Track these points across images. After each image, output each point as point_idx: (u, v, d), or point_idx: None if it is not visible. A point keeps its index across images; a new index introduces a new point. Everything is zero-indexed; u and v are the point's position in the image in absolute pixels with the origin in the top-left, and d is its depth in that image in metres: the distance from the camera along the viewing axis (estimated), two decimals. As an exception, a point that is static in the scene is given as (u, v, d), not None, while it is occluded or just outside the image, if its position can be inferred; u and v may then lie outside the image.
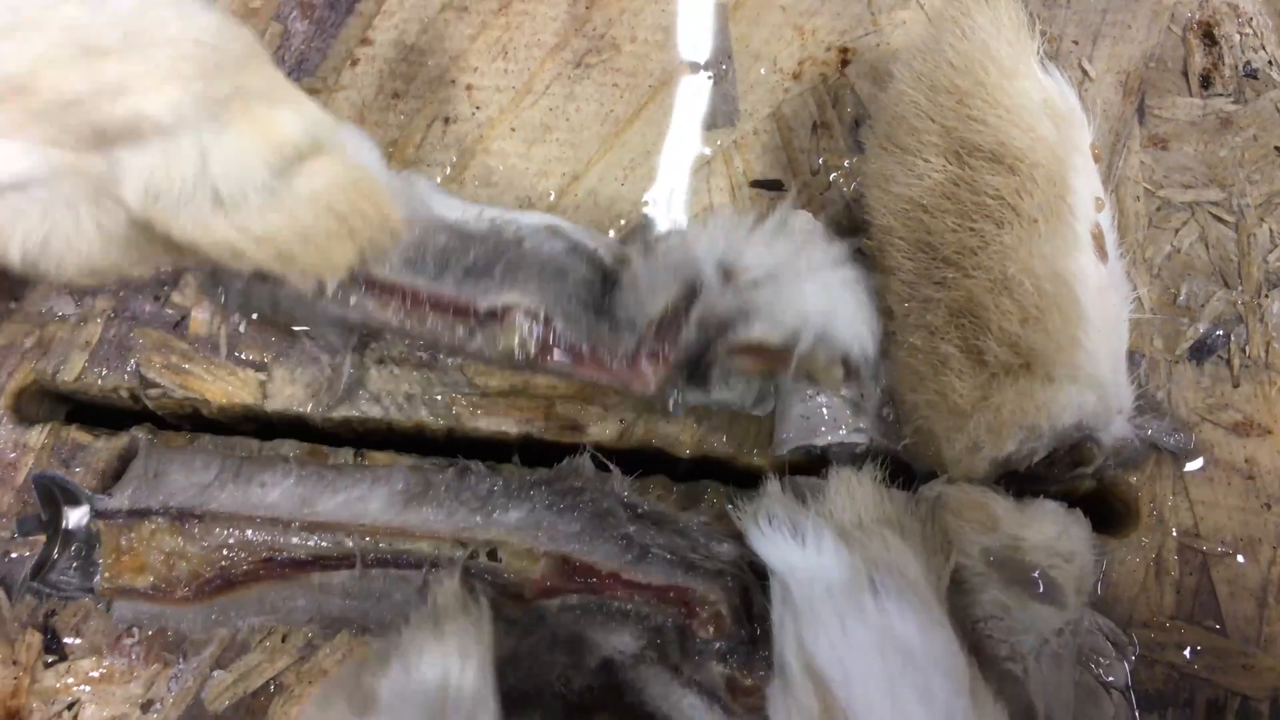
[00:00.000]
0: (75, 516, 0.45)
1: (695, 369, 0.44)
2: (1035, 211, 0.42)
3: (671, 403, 0.45)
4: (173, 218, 0.41)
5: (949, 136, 0.44)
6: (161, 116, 0.39)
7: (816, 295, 0.43)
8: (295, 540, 0.44)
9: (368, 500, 0.45)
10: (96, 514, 0.44)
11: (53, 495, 0.45)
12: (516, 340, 0.44)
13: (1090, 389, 0.42)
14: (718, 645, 0.44)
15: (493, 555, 0.44)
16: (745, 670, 0.43)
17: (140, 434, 0.49)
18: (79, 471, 0.48)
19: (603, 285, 0.45)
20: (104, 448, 0.49)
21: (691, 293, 0.43)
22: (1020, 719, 0.40)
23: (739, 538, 0.45)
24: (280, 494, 0.45)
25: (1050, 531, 0.42)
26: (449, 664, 0.38)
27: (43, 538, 0.46)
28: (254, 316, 0.49)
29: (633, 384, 0.44)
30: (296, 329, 0.49)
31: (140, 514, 0.44)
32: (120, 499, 0.45)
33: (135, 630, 0.47)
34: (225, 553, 0.44)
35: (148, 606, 0.45)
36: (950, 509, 0.42)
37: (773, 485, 0.43)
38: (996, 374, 0.42)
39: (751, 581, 0.44)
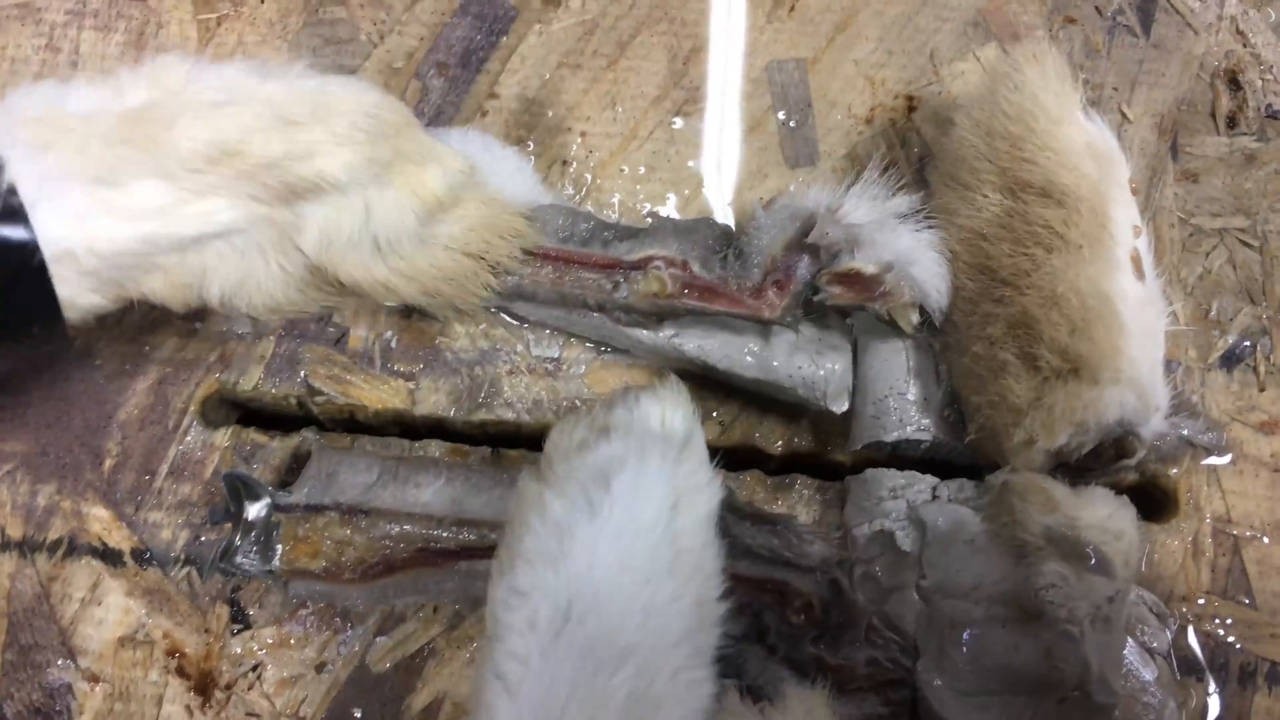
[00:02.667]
0: (256, 508, 0.53)
1: (808, 302, 0.53)
2: (1080, 239, 0.50)
3: (789, 322, 0.53)
4: (340, 261, 0.51)
5: (1004, 175, 0.52)
6: (339, 176, 0.49)
7: (906, 242, 0.51)
8: (446, 534, 0.52)
9: (509, 500, 0.53)
10: (278, 508, 0.52)
11: (238, 490, 0.53)
12: (658, 284, 0.52)
13: (1130, 389, 0.49)
14: (809, 631, 0.51)
15: None
16: (831, 651, 0.51)
17: (310, 435, 0.57)
18: (258, 467, 0.57)
19: (726, 239, 0.54)
20: (279, 447, 0.57)
21: (806, 229, 0.52)
22: (1079, 671, 0.47)
23: (827, 539, 0.53)
24: (432, 494, 0.53)
25: (1102, 513, 0.49)
26: (664, 407, 0.46)
27: (228, 526, 0.54)
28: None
29: (761, 310, 0.52)
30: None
31: (316, 509, 0.52)
32: (299, 495, 0.53)
33: (309, 604, 0.55)
34: (387, 543, 0.52)
35: (320, 586, 0.52)
36: (1016, 493, 0.49)
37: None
38: (1048, 378, 0.49)
39: (839, 576, 0.51)
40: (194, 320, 0.59)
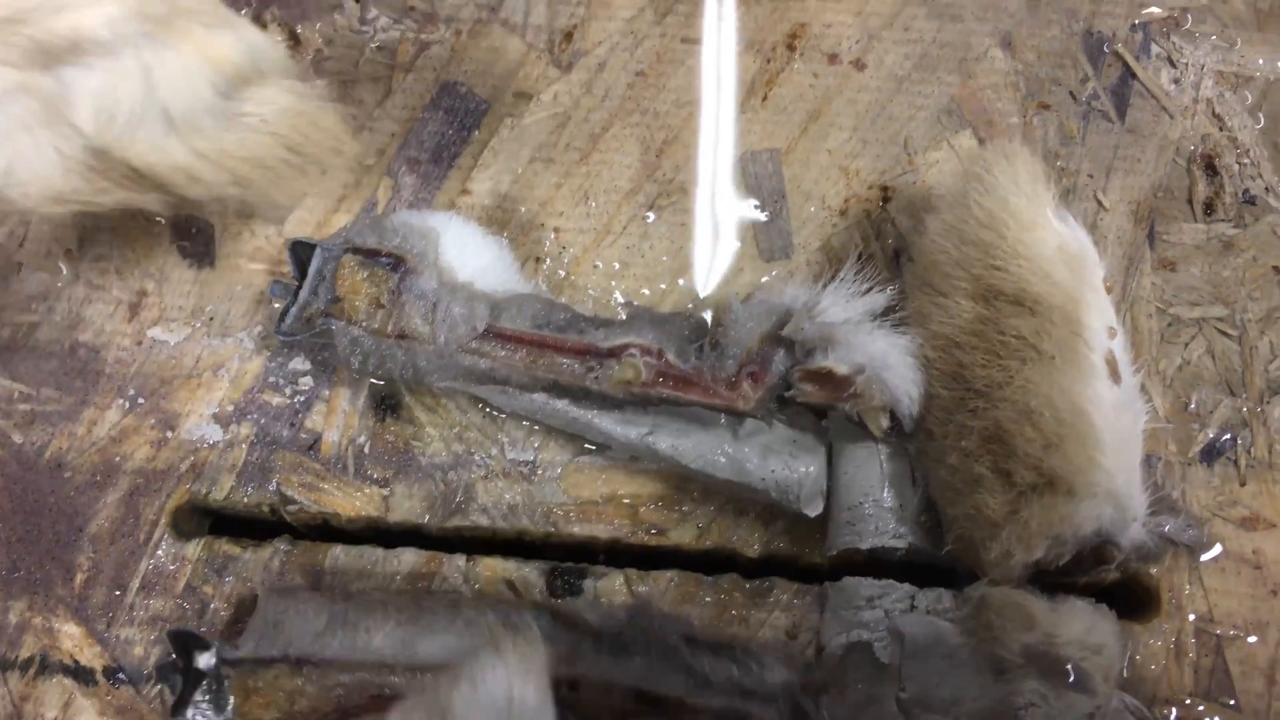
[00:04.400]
0: (205, 658, 0.52)
1: (783, 402, 0.52)
2: (1053, 349, 0.49)
3: (762, 415, 0.52)
4: (128, 142, 0.43)
5: (976, 282, 0.51)
6: (99, 32, 0.42)
7: (880, 345, 0.51)
8: (398, 680, 0.51)
9: (463, 642, 0.53)
10: (225, 662, 0.51)
11: (185, 643, 0.52)
12: (632, 372, 0.52)
13: (1107, 502, 0.48)
14: None
15: (573, 687, 0.51)
16: None
17: (281, 545, 0.57)
18: (229, 581, 0.56)
19: (702, 331, 0.55)
20: (251, 559, 0.57)
21: (782, 324, 0.52)
22: (1057, 794, 0.47)
23: (788, 660, 0.52)
24: (383, 638, 0.52)
25: (1080, 628, 0.48)
26: (511, 678, 0.45)
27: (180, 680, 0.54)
28: (391, 379, 0.57)
29: (735, 401, 0.52)
30: (433, 385, 0.56)
31: (264, 662, 0.51)
32: (246, 648, 0.51)
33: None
34: (339, 691, 0.51)
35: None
36: (993, 609, 0.49)
37: None
38: (1024, 491, 0.48)
39: (803, 701, 0.51)
40: (165, 429, 0.58)
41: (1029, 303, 0.50)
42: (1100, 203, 0.61)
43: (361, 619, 0.52)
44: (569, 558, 0.57)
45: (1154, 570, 0.56)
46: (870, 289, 0.53)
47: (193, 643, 0.51)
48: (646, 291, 0.60)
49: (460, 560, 0.56)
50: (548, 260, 0.61)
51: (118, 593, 0.56)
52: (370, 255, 0.56)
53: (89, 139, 0.43)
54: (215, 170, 0.45)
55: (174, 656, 0.51)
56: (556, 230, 0.61)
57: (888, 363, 0.52)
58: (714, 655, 0.51)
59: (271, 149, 0.47)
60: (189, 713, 0.50)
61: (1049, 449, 0.48)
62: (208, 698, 0.50)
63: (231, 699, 0.50)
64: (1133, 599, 0.57)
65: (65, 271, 0.61)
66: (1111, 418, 0.50)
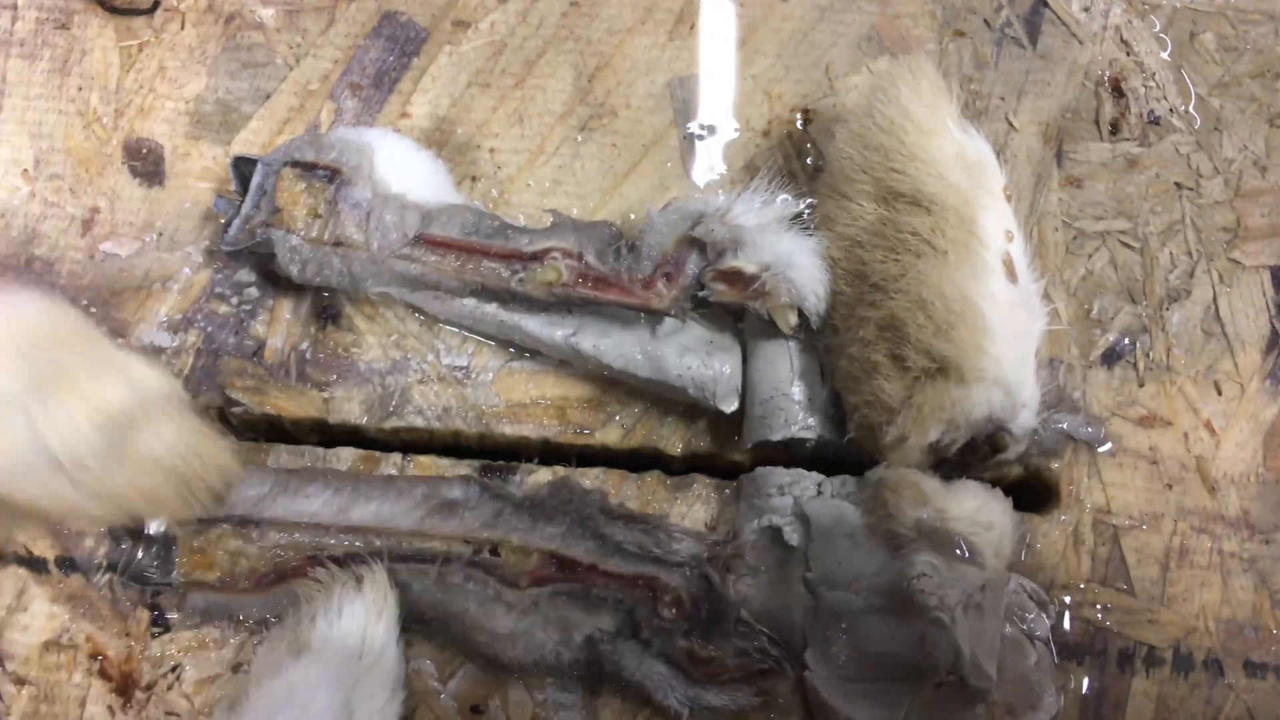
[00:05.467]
0: (155, 524, 0.56)
1: (699, 302, 0.56)
2: (946, 245, 0.52)
3: (677, 313, 0.56)
4: (16, 489, 0.46)
5: (878, 185, 0.54)
6: None
7: (786, 245, 0.54)
8: (333, 541, 0.55)
9: (394, 510, 0.56)
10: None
11: None
12: (554, 274, 0.55)
13: (997, 388, 0.51)
14: (680, 625, 0.53)
15: (494, 551, 0.54)
16: (702, 644, 0.53)
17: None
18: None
19: (621, 237, 0.58)
20: (197, 456, 0.59)
21: (695, 227, 0.55)
22: (951, 656, 0.49)
23: (698, 536, 0.55)
24: (320, 504, 0.56)
25: (971, 505, 0.51)
26: (365, 617, 0.49)
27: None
28: (330, 285, 0.59)
29: (651, 300, 0.55)
30: (369, 291, 0.59)
31: (208, 522, 0.55)
32: None
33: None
34: (278, 552, 0.55)
35: (216, 597, 0.55)
36: (889, 487, 0.52)
37: None
38: (918, 377, 0.51)
39: (709, 571, 0.54)
40: (116, 337, 0.61)
41: (925, 202, 0.52)
42: (1011, 124, 0.64)
43: (302, 486, 0.55)
44: (501, 458, 0.60)
45: (1055, 465, 0.58)
46: (781, 198, 0.56)
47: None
48: (576, 210, 0.63)
49: (396, 458, 0.59)
50: (483, 180, 0.64)
51: (69, 488, 0.59)
52: (308, 168, 0.59)
53: None
54: (104, 507, 0.48)
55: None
56: (492, 150, 0.64)
57: (794, 262, 0.54)
58: (626, 525, 0.54)
59: (161, 484, 0.49)
60: (135, 572, 0.53)
61: (939, 335, 0.50)
62: (156, 562, 0.54)
63: (178, 561, 0.53)
64: (1035, 494, 0.60)
65: (22, 190, 0.63)
66: (1005, 313, 0.52)
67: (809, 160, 0.64)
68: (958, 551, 0.51)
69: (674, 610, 0.52)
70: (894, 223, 0.53)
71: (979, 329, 0.51)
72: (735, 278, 0.54)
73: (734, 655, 0.52)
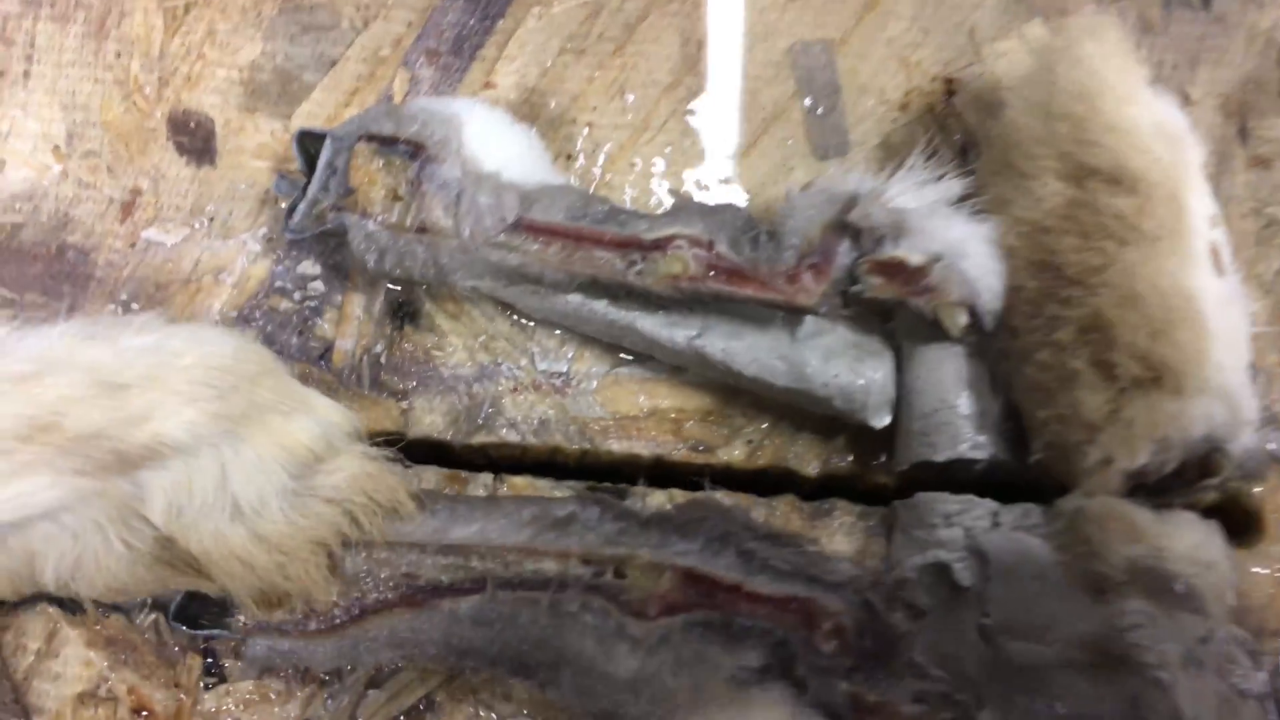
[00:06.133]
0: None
1: (846, 298, 0.48)
2: (1157, 229, 0.44)
3: (827, 311, 0.48)
4: (191, 531, 0.44)
5: (1066, 161, 0.46)
6: (180, 438, 0.43)
7: (957, 232, 0.46)
8: (429, 563, 0.46)
9: (500, 529, 0.47)
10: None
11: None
12: (679, 265, 0.46)
13: (1219, 400, 0.43)
14: (842, 662, 0.45)
15: (619, 573, 0.46)
16: (870, 687, 0.44)
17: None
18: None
19: (755, 223, 0.49)
20: (256, 476, 0.51)
21: (847, 211, 0.47)
22: (1168, 725, 0.41)
23: (855, 563, 0.47)
24: (414, 526, 0.48)
25: (1191, 541, 0.43)
26: None
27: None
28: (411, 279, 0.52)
29: (796, 297, 0.47)
30: (457, 285, 0.51)
31: None
32: None
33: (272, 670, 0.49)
34: (360, 579, 0.46)
35: (282, 643, 0.46)
36: (1092, 520, 0.43)
37: None
38: (1126, 388, 0.43)
39: (873, 598, 0.45)
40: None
41: (1128, 180, 0.44)
42: (1187, 96, 0.56)
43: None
44: (606, 478, 0.51)
45: (1257, 490, 0.50)
46: (943, 176, 0.48)
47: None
48: (689, 193, 0.55)
49: (487, 479, 0.51)
50: (580, 158, 0.56)
51: (108, 514, 0.50)
52: (387, 143, 0.51)
53: (157, 530, 0.44)
54: (269, 556, 0.45)
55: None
56: (590, 126, 0.56)
57: (966, 251, 0.46)
58: (775, 543, 0.45)
59: (335, 522, 0.46)
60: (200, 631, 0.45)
61: (1156, 336, 0.42)
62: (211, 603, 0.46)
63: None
64: (1232, 522, 0.51)
65: (53, 169, 0.55)
66: (1218, 310, 0.44)
67: (956, 137, 0.55)
68: (1177, 597, 0.43)
69: (835, 642, 0.44)
70: (1090, 205, 0.45)
71: (1200, 330, 0.43)
72: (897, 270, 0.46)
73: (909, 702, 0.43)
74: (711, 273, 0.48)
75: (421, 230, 0.50)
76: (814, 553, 0.45)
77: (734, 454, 0.51)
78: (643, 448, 0.52)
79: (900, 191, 0.47)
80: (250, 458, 0.44)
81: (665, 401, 0.52)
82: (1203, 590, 0.43)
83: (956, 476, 0.50)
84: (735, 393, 0.52)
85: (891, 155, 0.55)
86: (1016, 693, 0.44)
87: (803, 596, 0.44)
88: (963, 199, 0.48)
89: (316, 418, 0.46)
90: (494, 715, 0.48)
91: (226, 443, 0.44)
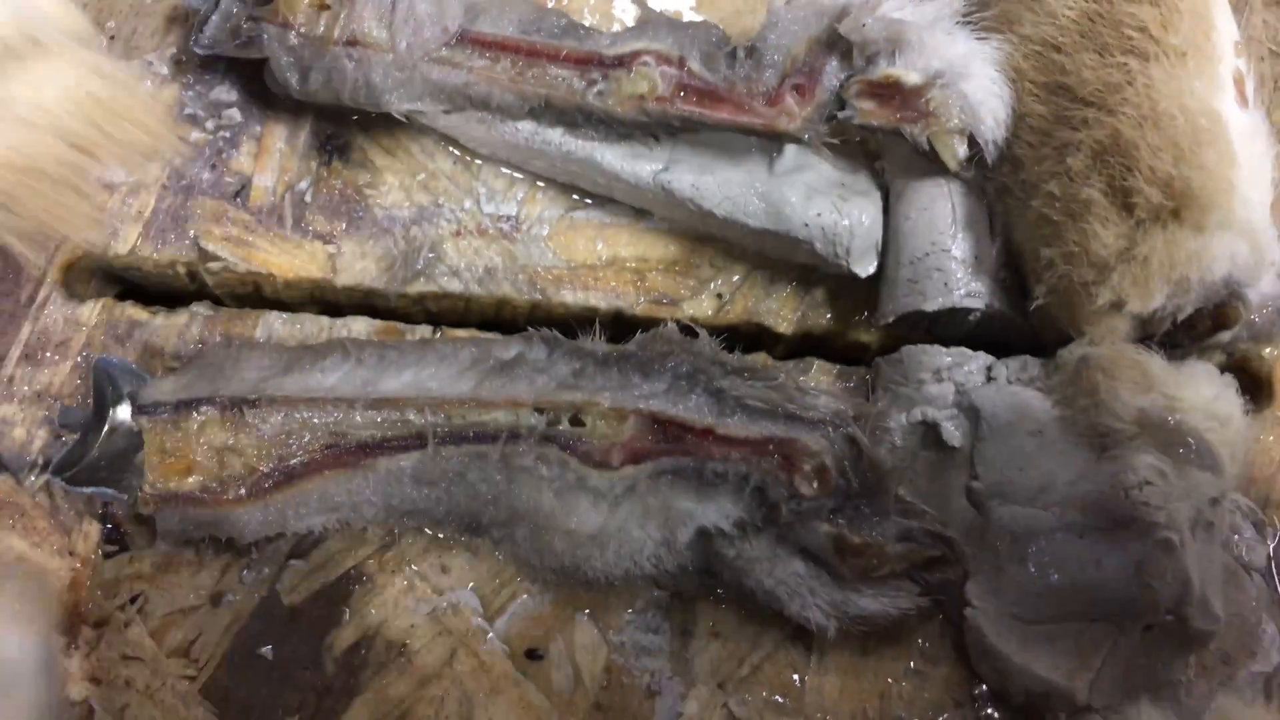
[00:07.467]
0: (121, 413, 0.42)
1: (832, 123, 0.42)
2: (1183, 45, 0.39)
3: (810, 139, 0.42)
4: None
5: (1084, -30, 0.41)
6: None
7: (960, 48, 0.41)
8: (359, 419, 0.41)
9: (438, 377, 0.42)
10: (139, 409, 0.41)
11: (104, 387, 0.41)
12: (646, 84, 0.41)
13: (1243, 237, 0.39)
14: (823, 502, 0.40)
15: (576, 421, 0.41)
16: (853, 528, 0.40)
17: (200, 310, 0.46)
18: (135, 351, 0.45)
19: (729, 42, 0.44)
20: (163, 325, 0.45)
21: (837, 23, 0.42)
22: (1177, 590, 0.37)
23: (837, 396, 0.42)
24: (339, 377, 0.42)
25: (1207, 393, 0.39)
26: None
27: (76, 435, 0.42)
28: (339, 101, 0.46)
29: (777, 121, 0.42)
30: (392, 109, 0.45)
31: (187, 405, 0.41)
32: (167, 387, 0.41)
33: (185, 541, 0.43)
34: (285, 441, 0.41)
35: (197, 512, 0.41)
36: (1101, 368, 0.39)
37: None
38: (1143, 220, 0.39)
39: (856, 432, 0.40)
40: (53, 167, 0.46)
41: (1150, -10, 0.40)
42: (1204, -74, 0.51)
43: (316, 361, 0.41)
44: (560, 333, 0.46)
45: (1266, 353, 0.46)
46: (941, -2, 0.43)
47: (113, 384, 0.40)
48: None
49: (426, 332, 0.46)
50: (535, -21, 0.50)
51: (-8, 362, 0.44)
52: None
53: None
54: None
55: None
56: (545, -57, 0.50)
57: (968, 71, 0.41)
58: (748, 379, 0.40)
59: (48, 150, 0.35)
60: (79, 476, 0.39)
61: (1181, 160, 0.38)
62: (104, 463, 0.40)
63: (142, 467, 0.39)
64: (1240, 388, 0.47)
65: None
66: (1244, 141, 0.40)
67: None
68: (1190, 453, 0.38)
69: (817, 483, 0.39)
70: (1109, 17, 0.40)
71: (1228, 156, 0.38)
72: (891, 91, 0.41)
73: (895, 541, 0.39)
74: (682, 93, 0.42)
75: (351, 43, 0.44)
76: (790, 387, 0.40)
77: (701, 308, 0.47)
78: (600, 299, 0.47)
79: (897, 5, 0.42)
80: None
81: (626, 249, 0.47)
82: (1217, 447, 0.39)
83: (945, 331, 0.45)
84: (703, 240, 0.47)
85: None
86: (1007, 561, 0.41)
87: (781, 437, 0.39)
88: (965, 16, 0.42)
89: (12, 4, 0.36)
90: (430, 588, 0.43)
91: None
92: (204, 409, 0.40)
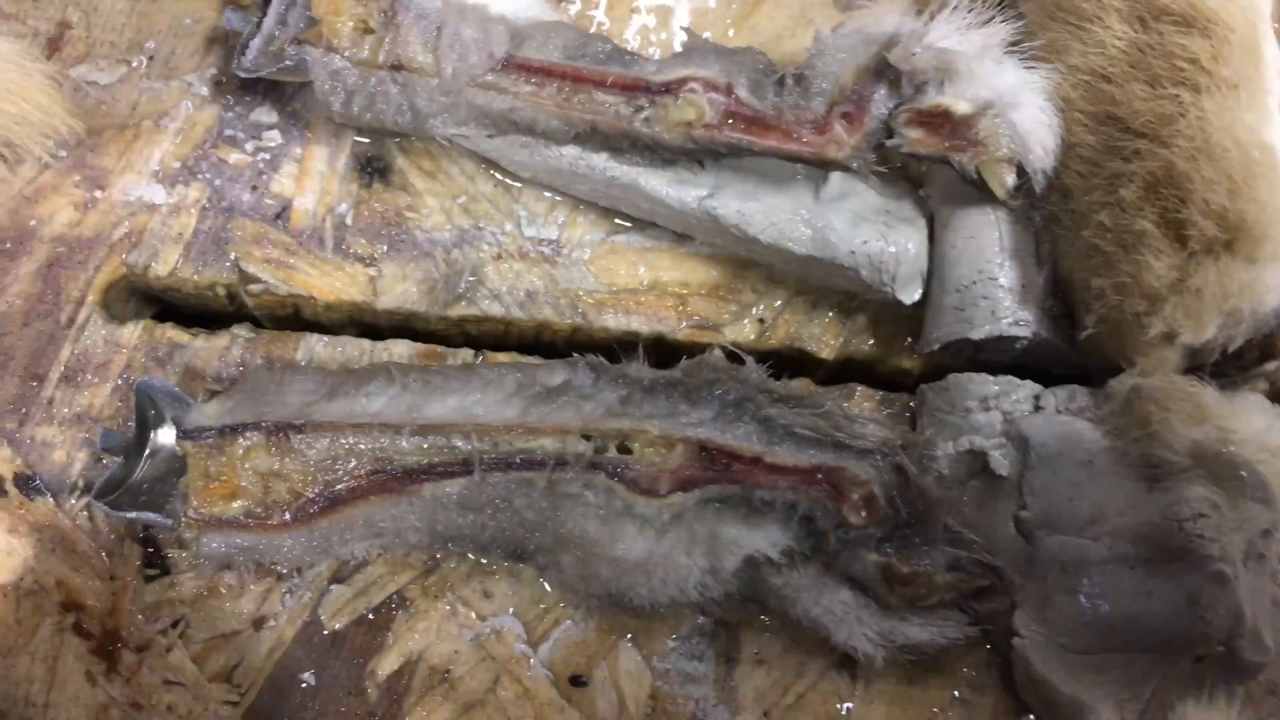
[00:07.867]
0: (163, 435, 0.41)
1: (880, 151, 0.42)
2: (1234, 78, 0.39)
3: (859, 167, 0.42)
4: None
5: (1133, 2, 0.41)
6: None
7: (1011, 78, 0.41)
8: (405, 445, 0.41)
9: (484, 403, 0.42)
10: (183, 434, 0.40)
11: (145, 413, 0.41)
12: (693, 111, 0.41)
13: (1294, 271, 0.39)
14: (871, 531, 0.40)
15: (623, 448, 0.41)
16: (902, 557, 0.40)
17: (241, 333, 0.46)
18: (175, 374, 0.45)
19: (776, 70, 0.44)
20: (203, 347, 0.45)
21: (885, 51, 0.42)
22: (1230, 622, 0.37)
23: (884, 424, 0.42)
24: (385, 403, 0.42)
25: (1260, 424, 0.39)
26: None
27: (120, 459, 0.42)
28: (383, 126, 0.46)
29: (825, 149, 0.42)
30: (435, 133, 0.45)
31: (232, 430, 0.40)
32: (212, 412, 0.41)
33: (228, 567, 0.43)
34: (329, 466, 0.41)
35: (241, 537, 0.41)
36: (1153, 400, 0.39)
37: None
38: (1196, 252, 0.38)
39: (904, 461, 0.40)
40: (93, 188, 0.46)
41: (1201, 22, 0.40)
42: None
43: (361, 386, 0.41)
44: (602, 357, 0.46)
45: (1310, 381, 0.46)
46: (990, 19, 0.43)
47: (155, 410, 0.40)
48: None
49: (467, 356, 0.46)
50: (576, 1, 0.49)
51: (33, 384, 0.44)
52: None
53: None
54: None
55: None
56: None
57: (1018, 101, 0.41)
58: (795, 407, 0.40)
59: None
60: (121, 501, 0.39)
61: (1235, 192, 0.38)
62: (147, 488, 0.39)
63: (186, 492, 0.39)
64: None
65: (-35, -5, 0.48)
66: (1297, 172, 0.40)
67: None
68: (1243, 484, 0.38)
69: (865, 512, 0.39)
70: (1159, 48, 0.40)
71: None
72: (940, 121, 0.41)
73: (944, 571, 0.39)
74: (730, 120, 0.42)
75: (396, 68, 0.44)
76: (837, 415, 0.40)
77: (743, 333, 0.46)
78: (641, 324, 0.46)
79: (945, 34, 0.42)
80: None
81: (667, 274, 0.47)
82: (1269, 479, 0.39)
83: (990, 359, 0.45)
84: (746, 265, 0.47)
85: (923, 2, 0.49)
86: (1055, 591, 0.40)
87: (829, 466, 0.39)
88: (1018, 43, 0.42)
89: None
90: (474, 614, 0.43)
91: None
92: (249, 434, 0.40)
